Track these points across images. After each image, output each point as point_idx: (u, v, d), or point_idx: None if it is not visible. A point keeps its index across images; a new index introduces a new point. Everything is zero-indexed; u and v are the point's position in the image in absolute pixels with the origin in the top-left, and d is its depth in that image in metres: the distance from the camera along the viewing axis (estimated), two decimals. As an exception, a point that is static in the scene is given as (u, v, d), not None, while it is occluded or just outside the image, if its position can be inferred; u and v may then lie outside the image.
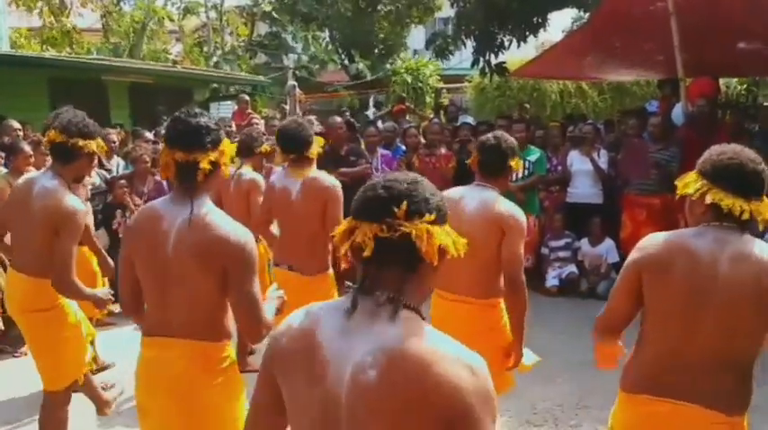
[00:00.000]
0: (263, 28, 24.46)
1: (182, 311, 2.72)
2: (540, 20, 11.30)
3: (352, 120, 9.81)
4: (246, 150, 5.56)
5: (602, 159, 7.87)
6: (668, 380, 2.47)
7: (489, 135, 3.80)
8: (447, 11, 15.64)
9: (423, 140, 8.28)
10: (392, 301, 1.63)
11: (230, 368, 2.84)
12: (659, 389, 2.48)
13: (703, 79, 8.41)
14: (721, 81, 10.46)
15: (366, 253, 1.63)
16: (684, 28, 7.12)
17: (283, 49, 22.87)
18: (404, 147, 8.22)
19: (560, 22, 11.19)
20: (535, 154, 7.81)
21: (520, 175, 7.44)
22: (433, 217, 1.66)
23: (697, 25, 7.17)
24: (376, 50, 22.30)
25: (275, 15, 22.60)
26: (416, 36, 22.70)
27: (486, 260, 3.50)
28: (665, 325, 2.50)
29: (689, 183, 2.53)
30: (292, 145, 4.40)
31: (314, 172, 4.42)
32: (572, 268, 7.71)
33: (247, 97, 12.32)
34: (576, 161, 7.80)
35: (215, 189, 3.35)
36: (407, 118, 11.36)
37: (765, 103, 11.81)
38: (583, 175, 7.74)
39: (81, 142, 3.73)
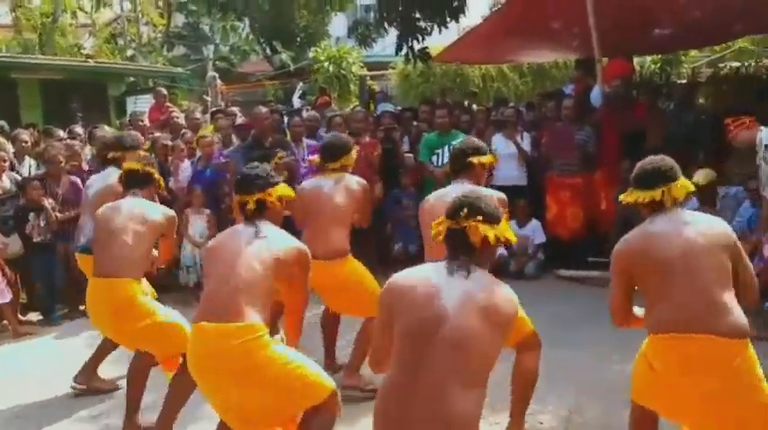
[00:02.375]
0: (180, 19, 24.02)
1: None
2: (459, 4, 11.46)
3: (280, 107, 9.77)
4: None
5: (525, 142, 8.06)
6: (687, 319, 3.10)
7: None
8: (368, -2, 15.69)
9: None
10: (462, 268, 2.72)
11: None
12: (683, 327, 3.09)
13: (618, 60, 8.69)
14: (635, 60, 10.80)
15: (440, 238, 2.83)
16: (599, 9, 7.34)
17: (202, 40, 22.56)
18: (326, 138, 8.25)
19: (479, 8, 11.50)
20: (459, 137, 7.92)
21: (445, 160, 7.58)
22: (481, 218, 2.74)
23: (611, 6, 7.40)
24: (298, 39, 22.16)
25: (192, 6, 22.24)
26: (338, 24, 22.62)
27: None
28: (665, 292, 3.18)
29: (628, 197, 3.44)
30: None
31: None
32: (500, 249, 7.87)
33: (165, 91, 12.06)
34: (500, 144, 7.90)
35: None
36: (333, 107, 11.37)
37: (678, 81, 12.28)
38: (507, 158, 7.85)
39: None
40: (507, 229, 2.85)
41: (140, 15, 24.80)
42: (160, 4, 24.55)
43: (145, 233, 4.51)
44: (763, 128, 5.92)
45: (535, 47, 10.41)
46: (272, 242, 3.48)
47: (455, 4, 11.30)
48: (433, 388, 2.57)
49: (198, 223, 7.62)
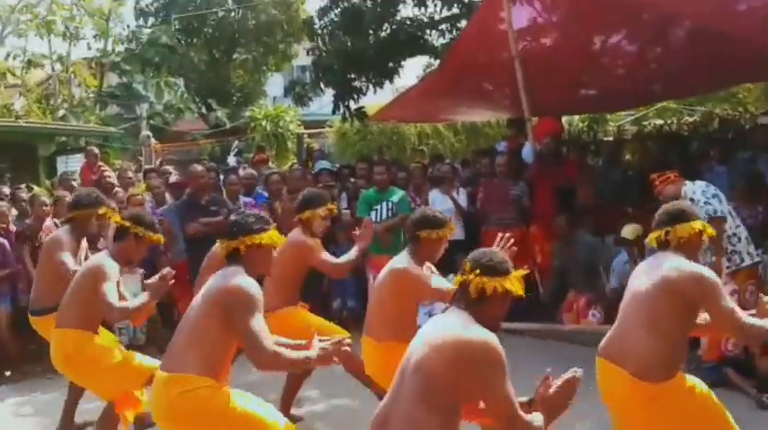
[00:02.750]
0: (113, 78, 23.83)
1: None
2: (394, 66, 11.70)
3: (214, 165, 9.75)
4: None
5: (462, 197, 8.19)
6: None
7: None
8: (304, 58, 15.81)
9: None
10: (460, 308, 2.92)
11: None
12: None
13: (547, 119, 8.93)
14: (564, 119, 11.12)
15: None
16: (527, 73, 7.58)
17: (135, 98, 22.37)
18: (266, 194, 8.26)
19: (414, 69, 11.80)
20: (398, 194, 8.05)
21: (384, 216, 7.65)
22: (478, 271, 2.94)
23: (538, 70, 7.64)
24: (234, 98, 22.15)
25: (125, 66, 22.15)
26: (275, 83, 22.78)
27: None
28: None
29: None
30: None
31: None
32: (441, 305, 7.89)
33: (96, 150, 11.91)
34: (438, 200, 7.98)
35: None
36: (270, 165, 11.40)
37: (605, 139, 12.68)
38: (444, 214, 7.98)
39: None
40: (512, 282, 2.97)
41: (72, 76, 24.54)
42: (93, 64, 24.36)
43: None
44: (687, 182, 6.15)
45: (468, 106, 10.63)
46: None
47: (390, 65, 11.55)
48: (401, 412, 2.80)
49: (131, 283, 7.48)
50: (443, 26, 11.66)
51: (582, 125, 13.80)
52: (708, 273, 3.42)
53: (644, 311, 3.42)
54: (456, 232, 8.05)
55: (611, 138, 12.71)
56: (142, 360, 4.66)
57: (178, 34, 20.61)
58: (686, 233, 3.51)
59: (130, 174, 9.96)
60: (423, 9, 11.45)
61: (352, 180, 8.95)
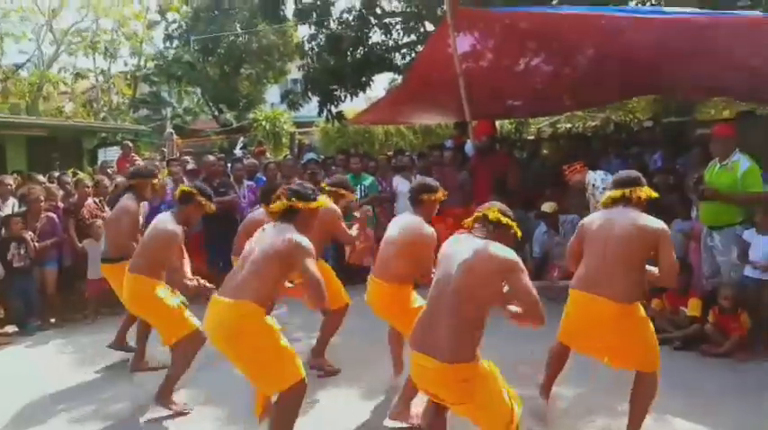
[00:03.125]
0: (144, 87, 23.51)
1: None
2: (366, 80, 11.68)
3: (223, 156, 9.68)
4: None
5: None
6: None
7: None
8: (296, 73, 15.76)
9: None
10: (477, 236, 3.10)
11: None
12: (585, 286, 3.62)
13: (484, 122, 8.94)
14: (497, 122, 11.16)
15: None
16: (469, 87, 7.58)
17: (161, 104, 22.14)
18: (264, 179, 8.19)
19: (382, 83, 11.77)
20: (369, 179, 8.03)
21: (359, 196, 7.63)
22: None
23: (477, 85, 7.64)
24: (240, 104, 22.05)
25: (154, 78, 21.86)
26: (273, 92, 22.67)
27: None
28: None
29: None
30: None
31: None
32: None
33: (131, 144, 11.74)
34: (400, 184, 8.00)
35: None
36: (268, 156, 11.29)
37: (528, 138, 12.76)
38: (405, 195, 7.96)
39: None
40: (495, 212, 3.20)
41: (112, 86, 24.25)
42: (128, 77, 24.03)
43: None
44: (590, 171, 6.21)
45: (424, 112, 10.63)
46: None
47: (363, 79, 11.54)
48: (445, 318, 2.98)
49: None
50: (405, 50, 11.66)
51: (510, 127, 13.87)
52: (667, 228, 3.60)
53: (623, 252, 3.52)
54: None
55: (532, 137, 12.82)
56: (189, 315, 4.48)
57: (197, 53, 20.35)
58: (645, 194, 3.67)
59: (156, 163, 9.82)
60: (389, 36, 11.42)
61: (333, 168, 8.89)
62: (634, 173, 3.82)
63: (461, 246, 3.08)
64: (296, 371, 3.31)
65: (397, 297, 4.17)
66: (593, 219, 3.78)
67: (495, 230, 3.15)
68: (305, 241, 3.32)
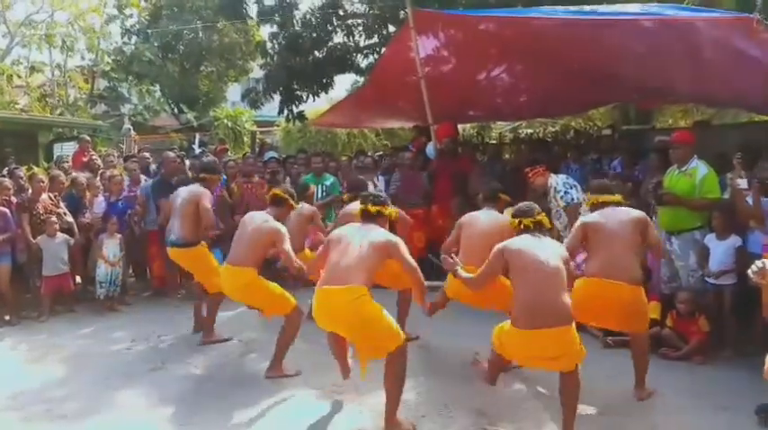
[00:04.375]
0: (102, 83, 22.87)
1: None
2: (328, 81, 11.55)
3: (183, 154, 9.42)
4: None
5: (380, 183, 8.09)
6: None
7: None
8: (258, 72, 15.50)
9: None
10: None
11: None
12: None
13: (446, 124, 8.90)
14: (459, 126, 11.15)
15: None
16: (430, 91, 7.52)
17: (120, 100, 21.59)
18: (224, 177, 7.95)
19: (344, 84, 11.58)
20: (330, 179, 7.89)
21: (320, 196, 7.50)
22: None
23: (439, 89, 7.60)
24: (200, 102, 21.64)
25: (113, 74, 21.29)
26: (234, 91, 22.32)
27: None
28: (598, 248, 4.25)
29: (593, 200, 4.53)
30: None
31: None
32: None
33: (88, 137, 11.33)
34: (362, 185, 7.89)
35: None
36: (229, 154, 11.03)
37: (490, 142, 12.80)
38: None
39: None
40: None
41: (68, 80, 23.55)
42: (85, 72, 23.36)
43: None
44: (552, 175, 6.19)
45: (387, 115, 10.56)
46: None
47: (324, 81, 11.41)
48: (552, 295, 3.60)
49: (112, 246, 7.12)
50: (367, 51, 11.56)
51: (472, 131, 13.91)
52: None
53: (627, 242, 4.16)
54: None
55: (494, 141, 12.85)
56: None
57: (157, 50, 19.87)
58: (620, 199, 4.53)
59: (114, 158, 9.59)
60: (351, 37, 11.31)
61: (295, 167, 8.73)
62: (606, 184, 4.65)
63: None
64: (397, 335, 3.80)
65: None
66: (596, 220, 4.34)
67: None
68: (394, 238, 3.99)
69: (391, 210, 4.27)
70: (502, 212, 4.79)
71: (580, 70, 6.70)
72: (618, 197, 4.46)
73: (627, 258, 4.12)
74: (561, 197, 5.94)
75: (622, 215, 4.29)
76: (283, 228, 4.79)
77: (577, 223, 4.44)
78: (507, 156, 10.77)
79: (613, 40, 5.57)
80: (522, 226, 3.84)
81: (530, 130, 13.97)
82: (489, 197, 5.06)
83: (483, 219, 4.77)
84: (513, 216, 3.95)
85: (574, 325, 3.58)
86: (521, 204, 4.03)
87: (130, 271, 7.92)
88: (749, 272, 2.37)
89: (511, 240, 3.81)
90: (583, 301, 4.02)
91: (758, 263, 2.36)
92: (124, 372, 5.05)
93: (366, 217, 4.14)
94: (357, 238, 3.94)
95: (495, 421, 3.93)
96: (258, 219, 4.90)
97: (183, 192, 5.84)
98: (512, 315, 3.66)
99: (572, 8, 5.58)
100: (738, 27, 4.23)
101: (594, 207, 4.46)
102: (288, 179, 8.41)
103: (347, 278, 3.78)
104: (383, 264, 3.96)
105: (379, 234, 3.97)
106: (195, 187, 5.80)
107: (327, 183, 7.82)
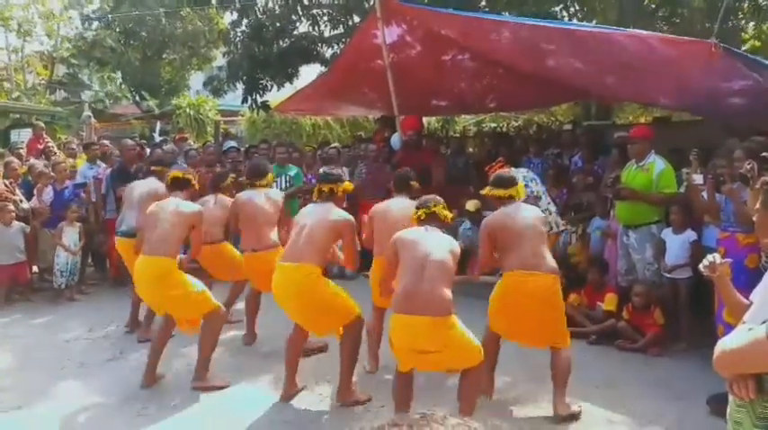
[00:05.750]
0: (62, 69, 22.20)
1: None
2: (293, 71, 11.39)
3: (143, 142, 9.21)
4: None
5: (344, 173, 7.99)
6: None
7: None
8: (222, 60, 15.20)
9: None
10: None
11: None
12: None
13: (411, 117, 8.85)
14: (424, 119, 11.13)
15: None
16: (396, 81, 7.47)
17: (80, 86, 21.00)
18: (185, 166, 7.76)
19: (310, 74, 11.32)
20: (294, 170, 7.78)
21: (283, 186, 7.39)
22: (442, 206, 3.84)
23: (404, 80, 7.54)
24: (163, 89, 21.19)
25: (73, 60, 20.67)
26: (198, 79, 21.89)
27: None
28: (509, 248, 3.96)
29: (489, 192, 4.16)
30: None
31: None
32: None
33: (43, 124, 11.00)
34: (326, 176, 7.80)
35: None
36: (190, 142, 10.80)
37: (454, 135, 12.83)
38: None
39: None
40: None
41: (26, 65, 22.80)
42: (44, 57, 22.64)
43: (180, 223, 4.47)
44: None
45: (351, 104, 10.45)
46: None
47: (289, 71, 11.24)
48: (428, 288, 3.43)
49: (71, 234, 6.91)
50: (333, 41, 11.42)
51: (437, 125, 13.91)
52: None
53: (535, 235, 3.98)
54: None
55: (458, 135, 12.87)
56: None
57: (119, 36, 19.34)
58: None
59: (74, 146, 9.38)
60: (315, 28, 11.16)
61: (256, 157, 8.56)
62: (510, 174, 4.33)
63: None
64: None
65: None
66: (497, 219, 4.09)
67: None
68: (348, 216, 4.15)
69: (345, 185, 4.30)
70: (414, 199, 4.67)
71: (534, 74, 6.76)
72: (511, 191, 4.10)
73: (544, 254, 3.97)
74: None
75: (528, 210, 4.08)
76: (201, 209, 4.68)
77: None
78: (471, 149, 10.79)
79: (565, 50, 5.63)
80: (418, 217, 3.79)
81: (493, 125, 14.04)
82: (399, 185, 4.81)
83: (393, 208, 4.58)
84: (416, 207, 3.86)
85: (454, 320, 3.45)
86: (425, 196, 3.93)
87: (89, 260, 7.71)
88: (700, 266, 2.39)
89: (405, 230, 3.76)
90: (498, 305, 3.98)
91: (709, 257, 2.38)
92: (80, 362, 4.95)
93: (320, 196, 4.24)
94: (311, 218, 4.11)
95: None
96: (172, 204, 4.54)
97: (141, 186, 5.72)
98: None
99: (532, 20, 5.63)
100: (695, 51, 4.35)
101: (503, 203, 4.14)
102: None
103: (300, 256, 3.96)
104: (335, 242, 4.17)
105: (333, 212, 4.09)
106: (153, 181, 5.66)
107: (291, 173, 7.71)
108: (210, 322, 4.38)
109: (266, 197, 5.16)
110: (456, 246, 3.64)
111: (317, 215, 4.14)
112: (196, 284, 4.38)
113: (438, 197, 3.88)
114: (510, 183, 4.12)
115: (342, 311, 4.03)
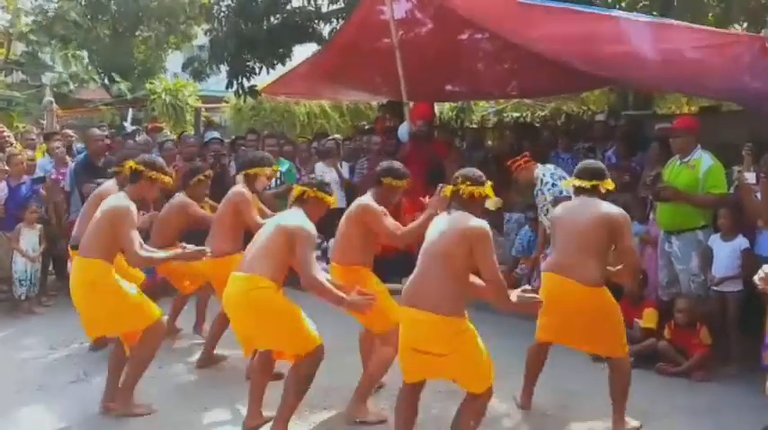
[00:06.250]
0: (19, 47, 22.29)
1: None
2: (285, 51, 11.40)
3: (112, 131, 9.27)
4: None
5: (344, 169, 8.06)
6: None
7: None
8: (203, 38, 15.24)
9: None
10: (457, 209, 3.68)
11: None
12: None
13: (422, 105, 8.88)
14: (436, 107, 11.14)
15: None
16: (406, 62, 7.48)
17: (41, 67, 21.06)
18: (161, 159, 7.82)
19: (304, 55, 11.29)
20: (285, 165, 7.82)
21: (273, 184, 7.41)
22: (468, 182, 3.71)
23: (414, 61, 7.56)
24: (136, 71, 21.27)
25: (32, 37, 20.74)
26: (176, 60, 21.94)
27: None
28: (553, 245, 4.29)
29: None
30: None
31: None
32: (323, 265, 7.76)
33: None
34: (323, 171, 7.85)
35: None
36: (165, 132, 10.86)
37: (470, 126, 12.85)
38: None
39: None
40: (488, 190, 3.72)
41: (-23, 43, 22.91)
42: (-1, 34, 22.75)
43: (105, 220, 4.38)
44: (539, 165, 6.22)
45: (352, 88, 10.47)
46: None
47: (281, 51, 11.25)
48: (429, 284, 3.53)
49: (30, 237, 6.95)
50: (332, 17, 11.45)
51: (451, 114, 13.92)
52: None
53: (586, 239, 4.06)
54: (338, 201, 8.05)
55: (475, 126, 12.89)
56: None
57: (85, 10, 19.42)
58: (610, 186, 4.23)
59: (33, 135, 9.39)
60: (311, 2, 11.19)
61: (243, 149, 8.62)
62: (600, 166, 4.36)
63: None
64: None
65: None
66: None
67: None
68: (308, 226, 4.10)
69: (323, 195, 4.31)
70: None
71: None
72: (610, 183, 4.27)
73: (581, 256, 4.07)
74: (549, 190, 5.97)
75: (594, 209, 4.11)
76: (132, 206, 4.35)
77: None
78: (490, 142, 10.81)
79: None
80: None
81: (515, 114, 14.06)
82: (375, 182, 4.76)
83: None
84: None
85: (466, 324, 3.53)
86: (464, 169, 3.96)
87: (50, 267, 7.75)
88: (755, 278, 2.39)
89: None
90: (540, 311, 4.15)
91: (765, 268, 2.38)
92: (39, 385, 4.97)
93: (296, 201, 4.31)
94: (269, 224, 4.19)
95: None
96: (107, 200, 4.50)
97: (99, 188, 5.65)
98: None
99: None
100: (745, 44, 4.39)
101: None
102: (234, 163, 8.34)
103: (251, 266, 3.99)
104: (291, 252, 4.00)
105: (290, 219, 4.09)
106: (108, 183, 5.55)
107: (282, 169, 7.74)
108: (148, 336, 4.37)
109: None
110: (476, 232, 3.48)
111: (277, 221, 4.23)
112: (137, 294, 4.42)
113: (477, 171, 3.80)
114: (593, 174, 4.25)
115: (299, 335, 3.94)
